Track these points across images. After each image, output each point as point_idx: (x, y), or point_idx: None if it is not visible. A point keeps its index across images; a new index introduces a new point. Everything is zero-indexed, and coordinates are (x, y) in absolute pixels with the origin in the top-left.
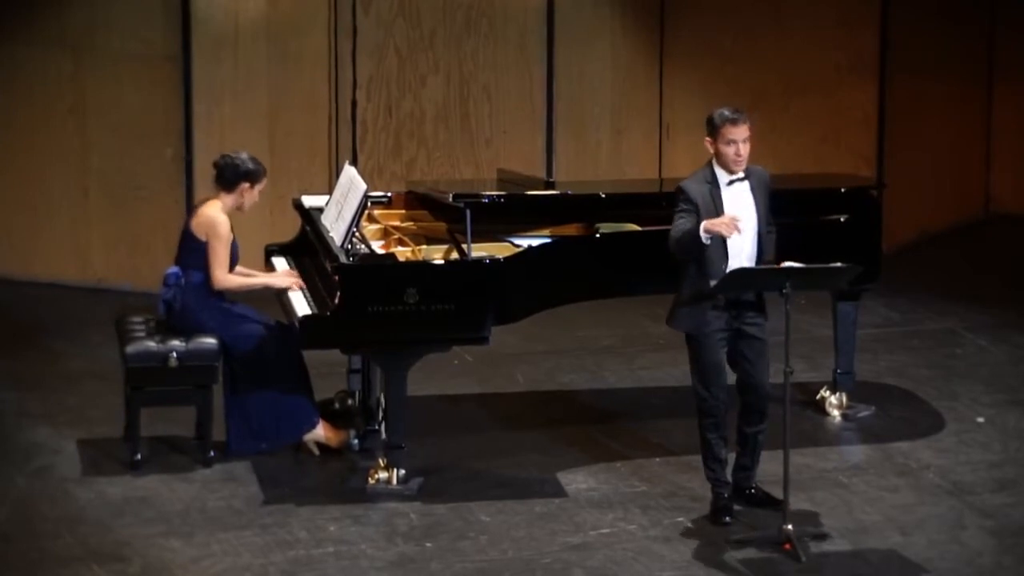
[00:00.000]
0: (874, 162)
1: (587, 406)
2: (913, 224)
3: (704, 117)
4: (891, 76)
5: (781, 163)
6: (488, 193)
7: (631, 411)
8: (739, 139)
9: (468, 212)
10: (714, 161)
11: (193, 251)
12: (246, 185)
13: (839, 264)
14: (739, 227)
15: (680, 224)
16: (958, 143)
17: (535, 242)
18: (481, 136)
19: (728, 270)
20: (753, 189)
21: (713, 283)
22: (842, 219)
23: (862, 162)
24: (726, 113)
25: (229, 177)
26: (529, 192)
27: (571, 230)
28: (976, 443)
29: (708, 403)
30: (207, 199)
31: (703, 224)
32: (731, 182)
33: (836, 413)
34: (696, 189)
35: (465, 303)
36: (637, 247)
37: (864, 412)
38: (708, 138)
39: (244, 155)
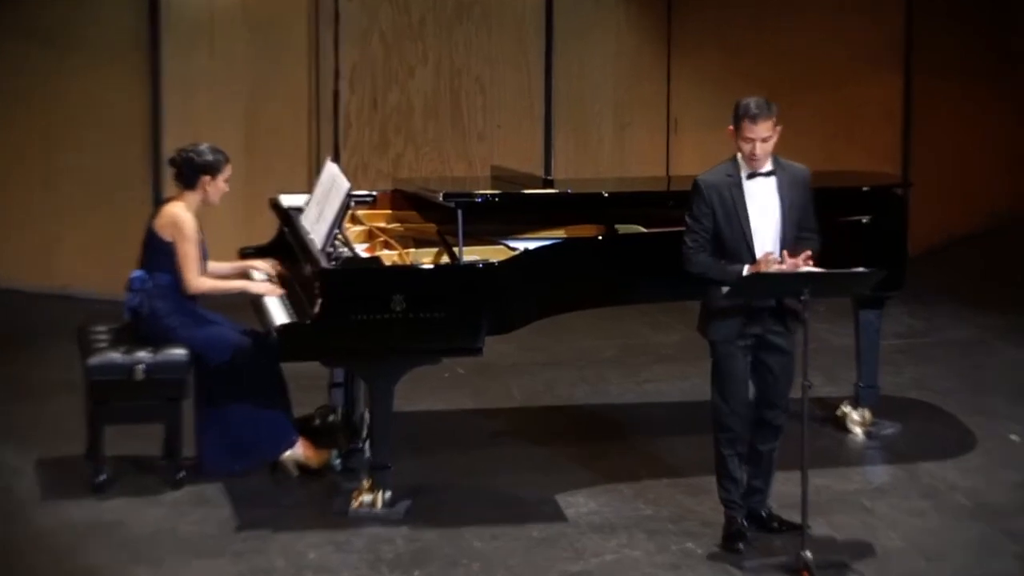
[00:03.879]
0: (898, 160)
1: (588, 422)
2: (939, 226)
3: (714, 112)
4: (916, 69)
5: (796, 160)
6: (482, 192)
7: (636, 427)
8: (756, 138)
9: (460, 213)
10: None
11: (158, 253)
12: (207, 178)
13: (861, 269)
14: (772, 259)
15: (697, 247)
16: (988, 140)
17: (532, 245)
18: (474, 131)
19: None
20: (781, 187)
21: (726, 289)
22: (865, 220)
23: (883, 160)
24: (748, 108)
25: (187, 173)
26: (526, 191)
27: (571, 232)
28: (1008, 462)
29: (726, 416)
30: (171, 198)
31: (747, 269)
32: (752, 175)
33: (858, 430)
34: (713, 184)
35: (457, 311)
36: (644, 250)
37: (888, 429)
38: (730, 127)
39: (203, 146)
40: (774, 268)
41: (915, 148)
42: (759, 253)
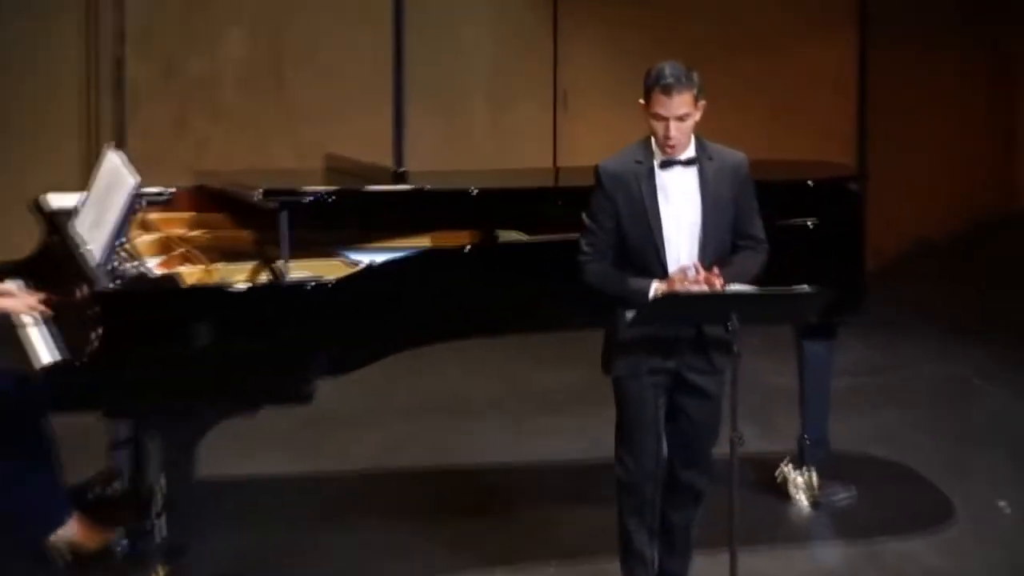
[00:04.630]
0: (854, 145)
1: (452, 488)
2: (908, 231)
3: (615, 84)
4: (877, 30)
5: (725, 145)
6: (313, 189)
7: (515, 495)
8: (670, 115)
9: (284, 216)
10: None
11: None
12: None
13: (805, 287)
14: (690, 276)
15: (594, 254)
16: (969, 121)
17: (380, 258)
18: (303, 109)
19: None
20: (705, 179)
21: (630, 315)
22: (810, 224)
23: (837, 145)
24: (661, 76)
25: None
26: (372, 188)
27: (435, 240)
28: (994, 537)
29: (630, 475)
30: None
31: (655, 287)
32: (668, 163)
33: (803, 497)
34: (618, 174)
35: (280, 345)
36: (528, 264)
37: (842, 495)
38: (641, 101)
39: None
40: (692, 287)
41: (879, 129)
42: (672, 264)
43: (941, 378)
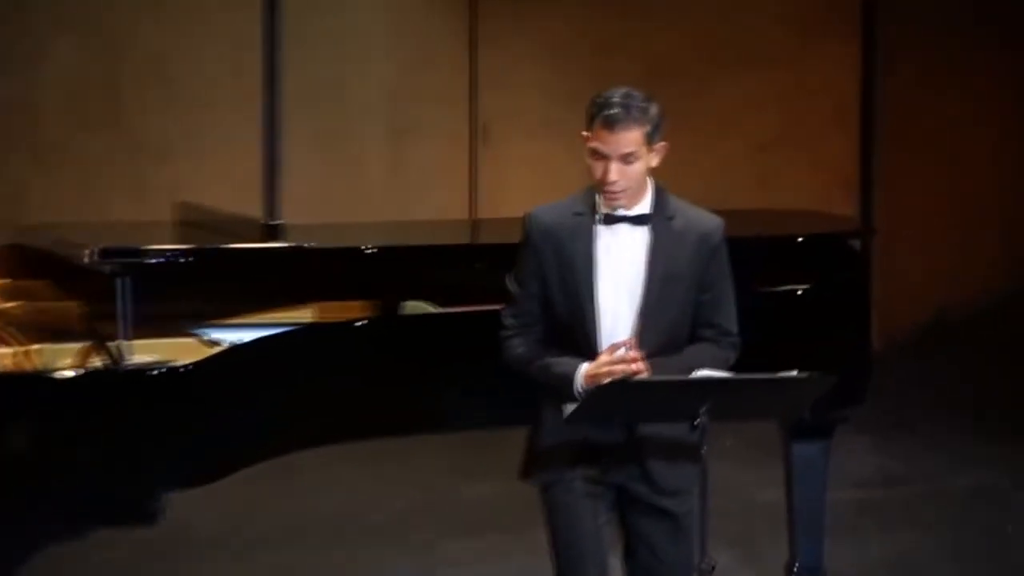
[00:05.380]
0: (856, 188)
1: None
2: (924, 298)
3: (551, 108)
4: (885, 45)
5: (697, 187)
6: (162, 248)
7: None
8: (611, 153)
9: (125, 282)
10: None
11: None
12: None
13: (794, 373)
14: (617, 356)
15: (518, 327)
16: (999, 160)
17: (247, 337)
18: (149, 144)
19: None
20: (660, 243)
21: (569, 408)
22: (800, 291)
23: (837, 186)
24: (607, 104)
25: None
26: (237, 246)
27: (323, 313)
28: None
29: None
30: None
31: (581, 372)
32: (611, 218)
33: None
34: (549, 227)
35: (116, 449)
36: (436, 345)
37: None
38: (585, 132)
39: None
40: (621, 368)
41: (884, 170)
42: (607, 343)
43: (967, 488)
